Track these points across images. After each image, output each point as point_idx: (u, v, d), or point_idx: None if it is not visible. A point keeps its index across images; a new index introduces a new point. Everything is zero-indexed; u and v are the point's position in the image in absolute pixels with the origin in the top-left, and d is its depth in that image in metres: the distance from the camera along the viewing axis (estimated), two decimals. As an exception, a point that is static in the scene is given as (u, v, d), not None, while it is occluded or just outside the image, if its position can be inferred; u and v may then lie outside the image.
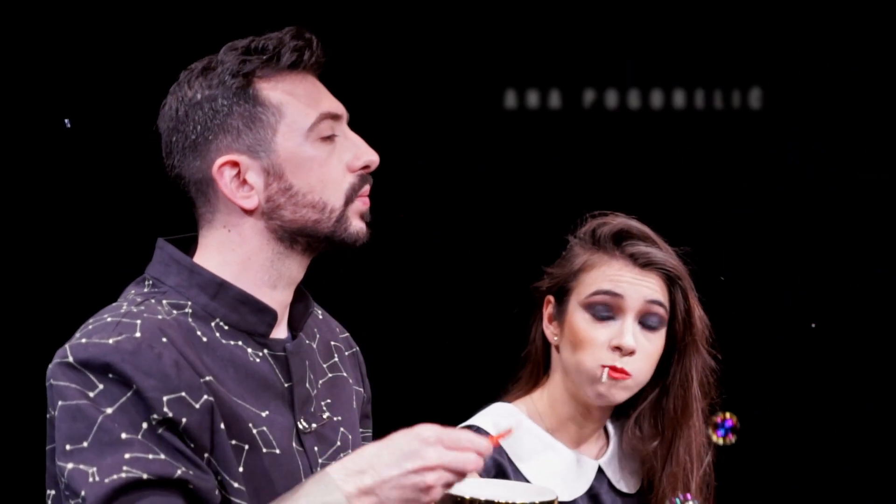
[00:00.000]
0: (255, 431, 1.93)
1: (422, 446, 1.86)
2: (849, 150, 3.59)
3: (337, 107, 2.02)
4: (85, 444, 1.83)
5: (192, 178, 2.00)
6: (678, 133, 3.54)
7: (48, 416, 1.92)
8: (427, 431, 1.87)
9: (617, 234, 2.50)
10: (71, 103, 3.39)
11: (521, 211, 3.46)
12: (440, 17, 3.51)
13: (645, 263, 2.48)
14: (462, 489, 1.86)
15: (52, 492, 1.93)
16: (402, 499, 1.85)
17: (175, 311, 1.94)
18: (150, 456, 1.83)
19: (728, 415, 2.44)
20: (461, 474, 1.86)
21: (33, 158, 3.42)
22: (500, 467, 2.45)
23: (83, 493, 1.81)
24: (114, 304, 1.97)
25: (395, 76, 3.47)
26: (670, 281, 2.50)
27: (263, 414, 1.95)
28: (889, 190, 3.59)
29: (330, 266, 2.09)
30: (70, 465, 1.83)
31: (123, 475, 1.81)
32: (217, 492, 1.88)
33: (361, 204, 2.02)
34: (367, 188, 2.03)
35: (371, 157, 2.02)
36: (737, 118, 3.66)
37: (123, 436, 1.83)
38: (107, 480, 1.80)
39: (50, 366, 1.90)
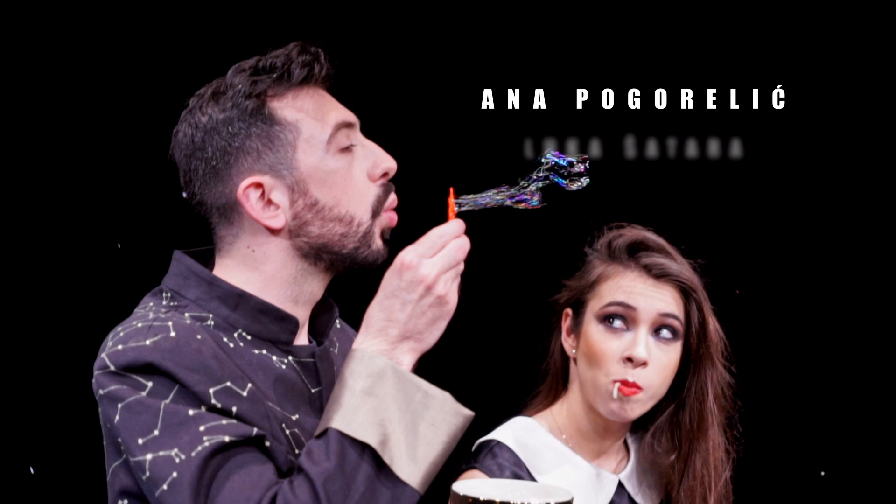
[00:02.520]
0: (287, 432, 1.93)
1: (411, 272, 1.88)
2: (851, 151, 3.60)
3: (349, 115, 2.02)
4: (156, 432, 1.83)
5: (215, 203, 1.99)
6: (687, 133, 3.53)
7: (106, 428, 1.91)
8: (406, 258, 1.89)
9: (632, 246, 2.50)
10: (77, 113, 3.39)
11: (533, 224, 3.45)
12: (449, 17, 3.50)
13: (659, 275, 2.47)
14: (477, 490, 1.86)
15: (125, 501, 1.92)
16: (431, 321, 1.89)
17: (198, 324, 1.94)
18: (224, 422, 1.84)
19: None
20: (459, 264, 1.91)
21: (36, 167, 3.42)
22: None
23: (175, 474, 1.81)
24: (138, 313, 1.96)
25: (401, 81, 3.47)
26: (685, 293, 2.49)
27: (294, 417, 1.95)
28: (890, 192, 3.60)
29: (340, 278, 2.09)
30: (149, 456, 1.83)
31: (207, 444, 1.81)
32: (289, 457, 1.89)
33: (388, 220, 2.02)
34: (393, 199, 2.03)
35: (389, 164, 2.02)
36: (739, 117, 3.65)
37: (191, 412, 1.84)
38: (193, 454, 1.81)
39: (93, 380, 1.90)
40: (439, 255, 1.90)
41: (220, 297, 1.97)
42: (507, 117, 3.58)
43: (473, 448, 2.51)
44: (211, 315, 1.96)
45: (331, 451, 1.82)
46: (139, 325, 1.90)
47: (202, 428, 1.83)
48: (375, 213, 2.00)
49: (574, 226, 2.58)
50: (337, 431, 1.83)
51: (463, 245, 1.92)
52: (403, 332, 1.88)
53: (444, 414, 1.88)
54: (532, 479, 2.45)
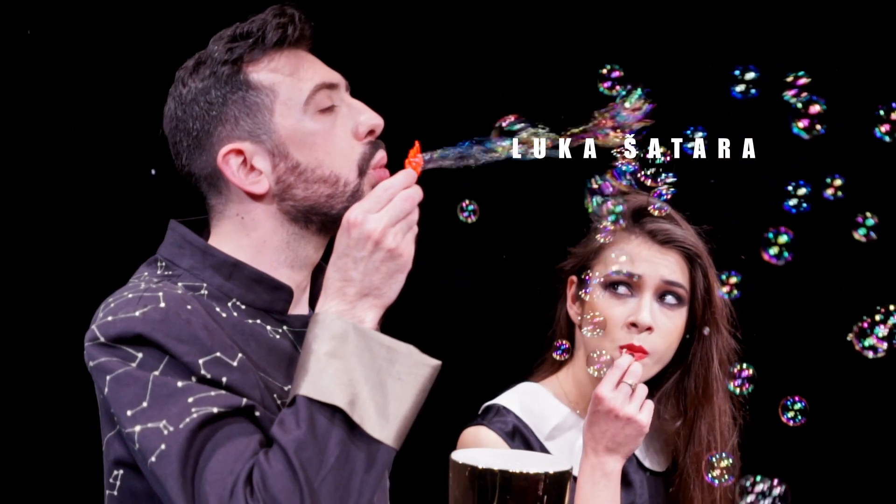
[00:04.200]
0: (279, 402, 1.93)
1: (358, 229, 1.87)
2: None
3: (331, 76, 2.00)
4: (144, 403, 1.83)
5: (201, 173, 1.99)
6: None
7: (99, 399, 1.91)
8: (351, 215, 1.88)
9: (637, 212, 2.49)
10: (74, 96, 3.36)
11: (537, 193, 3.44)
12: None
13: (664, 241, 2.47)
14: (477, 459, 1.85)
15: (120, 471, 1.92)
16: (387, 276, 1.88)
17: (191, 294, 1.93)
18: (213, 393, 1.83)
19: (744, 366, 2.39)
20: (410, 215, 1.89)
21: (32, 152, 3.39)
22: (528, 447, 2.45)
23: (163, 446, 1.80)
24: (130, 284, 1.96)
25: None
26: (689, 259, 2.48)
27: (286, 388, 1.94)
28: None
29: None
30: (138, 428, 1.82)
31: (195, 415, 1.81)
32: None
33: (377, 177, 1.99)
34: (381, 156, 2.00)
35: (374, 121, 1.99)
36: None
37: (180, 384, 1.83)
38: (181, 426, 1.81)
39: (84, 351, 1.90)
40: (385, 208, 1.88)
41: (213, 266, 1.97)
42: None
43: (480, 411, 2.51)
44: (205, 284, 1.96)
45: (300, 419, 1.81)
46: (129, 295, 1.90)
47: (190, 399, 1.82)
48: (362, 172, 1.98)
49: (577, 196, 2.56)
50: (304, 398, 1.82)
51: (411, 195, 1.90)
52: (360, 290, 1.87)
53: (411, 366, 1.86)
54: (540, 444, 2.46)
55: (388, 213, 1.88)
